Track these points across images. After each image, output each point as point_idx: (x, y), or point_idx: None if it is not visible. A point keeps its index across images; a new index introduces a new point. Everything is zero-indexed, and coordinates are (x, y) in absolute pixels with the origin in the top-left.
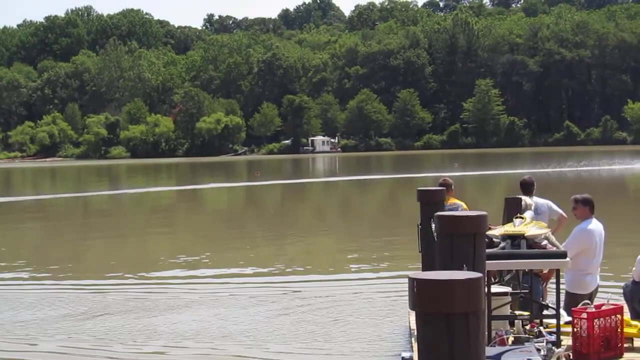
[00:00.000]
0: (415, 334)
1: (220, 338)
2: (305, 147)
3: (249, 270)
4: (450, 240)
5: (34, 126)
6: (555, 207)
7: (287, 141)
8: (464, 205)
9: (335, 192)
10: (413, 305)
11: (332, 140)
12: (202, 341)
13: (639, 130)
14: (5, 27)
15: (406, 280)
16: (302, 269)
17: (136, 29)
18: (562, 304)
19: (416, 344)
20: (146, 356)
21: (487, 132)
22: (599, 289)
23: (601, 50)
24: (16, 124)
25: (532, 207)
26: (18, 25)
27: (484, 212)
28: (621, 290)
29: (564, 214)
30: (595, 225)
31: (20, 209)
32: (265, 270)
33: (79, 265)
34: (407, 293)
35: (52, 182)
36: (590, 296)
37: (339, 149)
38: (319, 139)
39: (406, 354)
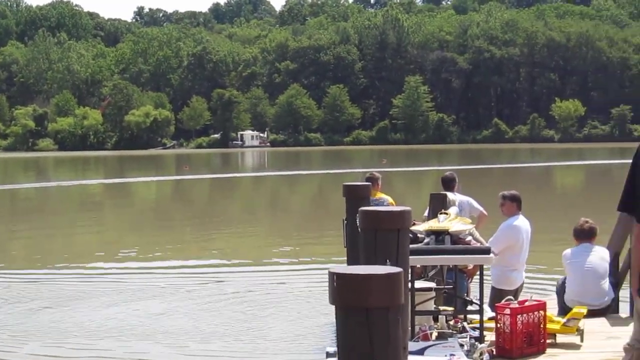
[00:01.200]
0: None
1: (140, 336)
2: (234, 142)
3: (175, 264)
4: (373, 235)
5: None
6: (475, 204)
7: (216, 135)
8: (390, 200)
9: (264, 186)
10: (333, 300)
11: (262, 134)
12: (120, 339)
13: (567, 129)
14: None
15: None
16: (228, 262)
17: (65, 20)
18: (487, 299)
19: None
20: (61, 352)
21: (416, 128)
22: (524, 285)
23: (530, 48)
24: None
25: (457, 203)
26: None
27: (407, 208)
28: (546, 287)
29: (484, 211)
30: (522, 221)
31: None
32: (191, 263)
33: (3, 256)
34: None
35: None
36: (516, 292)
37: (268, 144)
38: (248, 133)
39: (331, 349)
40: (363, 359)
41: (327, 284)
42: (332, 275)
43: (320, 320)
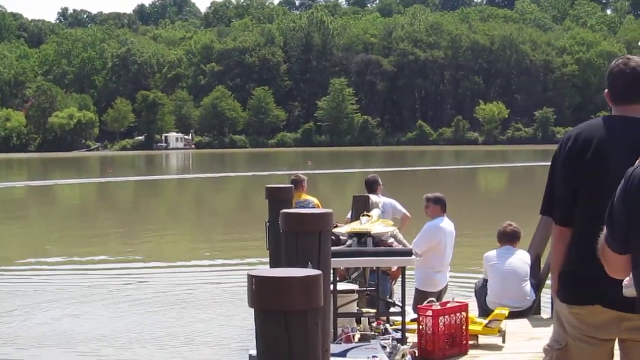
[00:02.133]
0: None
1: (53, 343)
2: (158, 144)
3: (97, 265)
4: (295, 237)
5: None
6: (399, 206)
7: (140, 137)
8: (316, 201)
9: (188, 189)
10: (252, 303)
11: (186, 137)
12: (29, 347)
13: (490, 131)
14: None
15: None
16: (151, 264)
17: None
18: (411, 301)
19: None
20: None
21: (341, 130)
22: (448, 287)
23: (454, 51)
24: None
25: (380, 205)
26: None
27: (329, 210)
28: (469, 288)
29: (407, 213)
30: (446, 223)
31: None
32: (115, 264)
33: None
34: None
35: None
36: (440, 294)
37: (193, 146)
38: (172, 135)
39: (254, 352)
40: None
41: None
42: (250, 278)
43: (243, 322)
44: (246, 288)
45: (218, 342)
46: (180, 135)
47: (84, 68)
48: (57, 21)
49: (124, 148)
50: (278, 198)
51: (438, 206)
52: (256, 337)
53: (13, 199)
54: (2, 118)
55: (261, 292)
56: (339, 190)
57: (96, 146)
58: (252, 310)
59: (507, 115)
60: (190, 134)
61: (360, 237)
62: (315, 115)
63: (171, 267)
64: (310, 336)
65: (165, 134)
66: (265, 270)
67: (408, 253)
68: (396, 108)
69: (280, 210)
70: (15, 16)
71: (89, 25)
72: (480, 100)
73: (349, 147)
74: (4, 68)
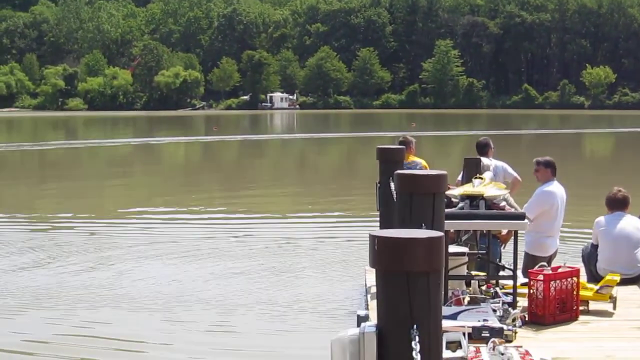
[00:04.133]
0: (372, 291)
1: (151, 306)
2: (263, 104)
3: (201, 223)
4: (409, 199)
5: None
6: (510, 169)
7: (245, 97)
8: (424, 163)
9: (293, 149)
10: (374, 263)
11: (291, 97)
12: (122, 307)
13: (597, 95)
14: None
15: (362, 238)
16: (255, 224)
17: None
18: (520, 265)
19: (372, 302)
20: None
21: (446, 92)
22: (558, 252)
23: (561, 14)
24: None
25: (492, 168)
26: None
27: (444, 172)
28: (579, 254)
29: (518, 177)
30: (556, 187)
31: None
32: (218, 223)
33: (31, 211)
34: (363, 251)
35: (8, 133)
36: (550, 259)
37: (297, 106)
38: (277, 95)
39: (362, 312)
40: (402, 323)
41: (356, 246)
42: (373, 238)
43: (350, 282)
44: (351, 248)
45: (324, 301)
46: (285, 95)
47: (190, 27)
48: None
49: (229, 107)
50: (389, 159)
51: (549, 170)
52: (377, 297)
53: (119, 157)
54: (109, 76)
55: (384, 252)
56: (444, 153)
57: (201, 105)
58: (356, 270)
59: (614, 80)
60: (294, 94)
61: (473, 199)
62: (420, 77)
63: (272, 228)
64: (431, 298)
65: (270, 94)
66: (388, 230)
67: (521, 217)
68: (502, 71)
69: (394, 172)
70: None
71: None
72: (587, 64)
73: (454, 110)
74: (111, 27)
